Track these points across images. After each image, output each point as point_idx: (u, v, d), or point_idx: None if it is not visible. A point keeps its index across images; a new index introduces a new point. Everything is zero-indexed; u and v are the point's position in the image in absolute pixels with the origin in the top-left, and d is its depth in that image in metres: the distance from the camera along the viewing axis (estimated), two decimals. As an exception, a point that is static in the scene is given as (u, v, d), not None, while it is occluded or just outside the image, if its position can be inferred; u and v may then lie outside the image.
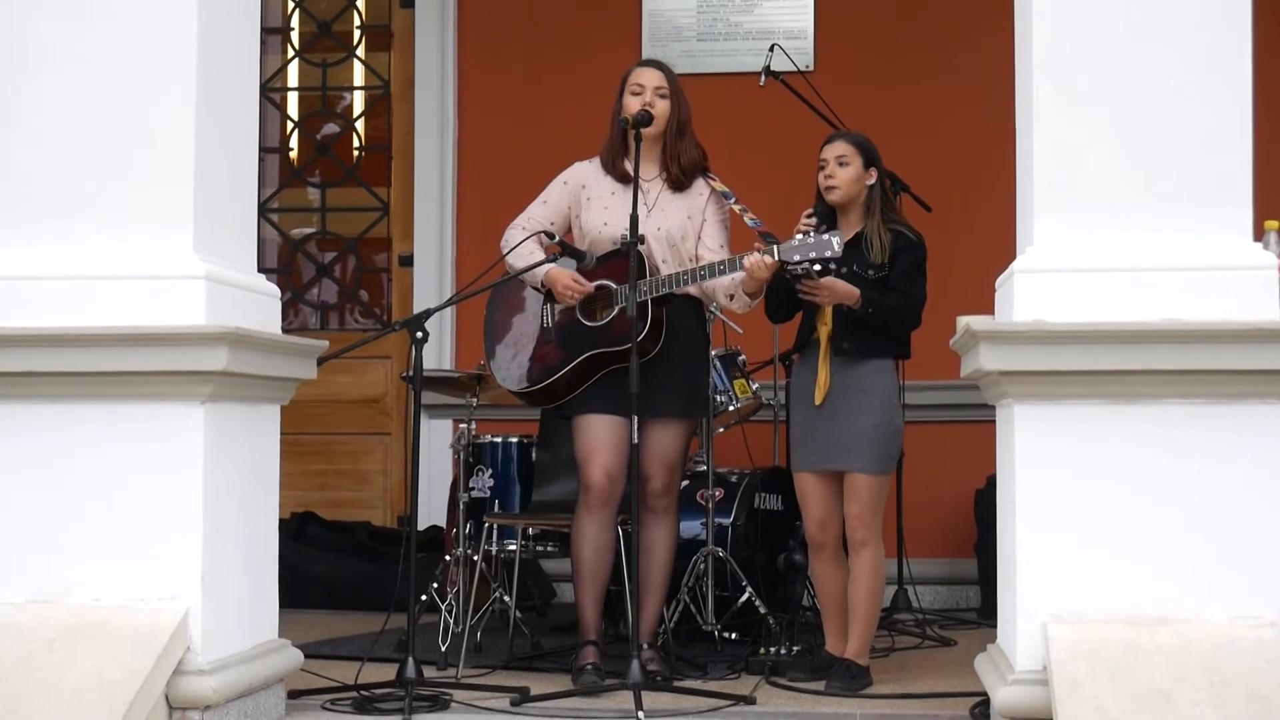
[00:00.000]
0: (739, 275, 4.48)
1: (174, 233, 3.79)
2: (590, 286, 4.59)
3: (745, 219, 4.64)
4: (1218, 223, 3.61)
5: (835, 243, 4.30)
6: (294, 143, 7.45)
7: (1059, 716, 3.31)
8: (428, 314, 4.40)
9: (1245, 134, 3.63)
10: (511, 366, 4.76)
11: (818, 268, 4.34)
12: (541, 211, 4.79)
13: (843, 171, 4.57)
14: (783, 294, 4.60)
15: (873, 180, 4.60)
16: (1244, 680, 3.35)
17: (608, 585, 4.68)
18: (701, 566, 5.24)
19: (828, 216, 4.54)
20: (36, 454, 3.77)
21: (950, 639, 5.55)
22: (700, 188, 4.75)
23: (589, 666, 4.41)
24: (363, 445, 7.22)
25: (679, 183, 4.72)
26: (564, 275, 4.60)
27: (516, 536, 5.31)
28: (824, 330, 4.54)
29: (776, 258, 4.37)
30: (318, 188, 7.48)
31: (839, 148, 4.59)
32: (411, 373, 4.31)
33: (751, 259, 4.40)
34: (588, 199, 4.74)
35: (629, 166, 4.66)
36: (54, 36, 3.84)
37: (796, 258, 4.33)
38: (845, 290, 4.43)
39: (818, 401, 4.52)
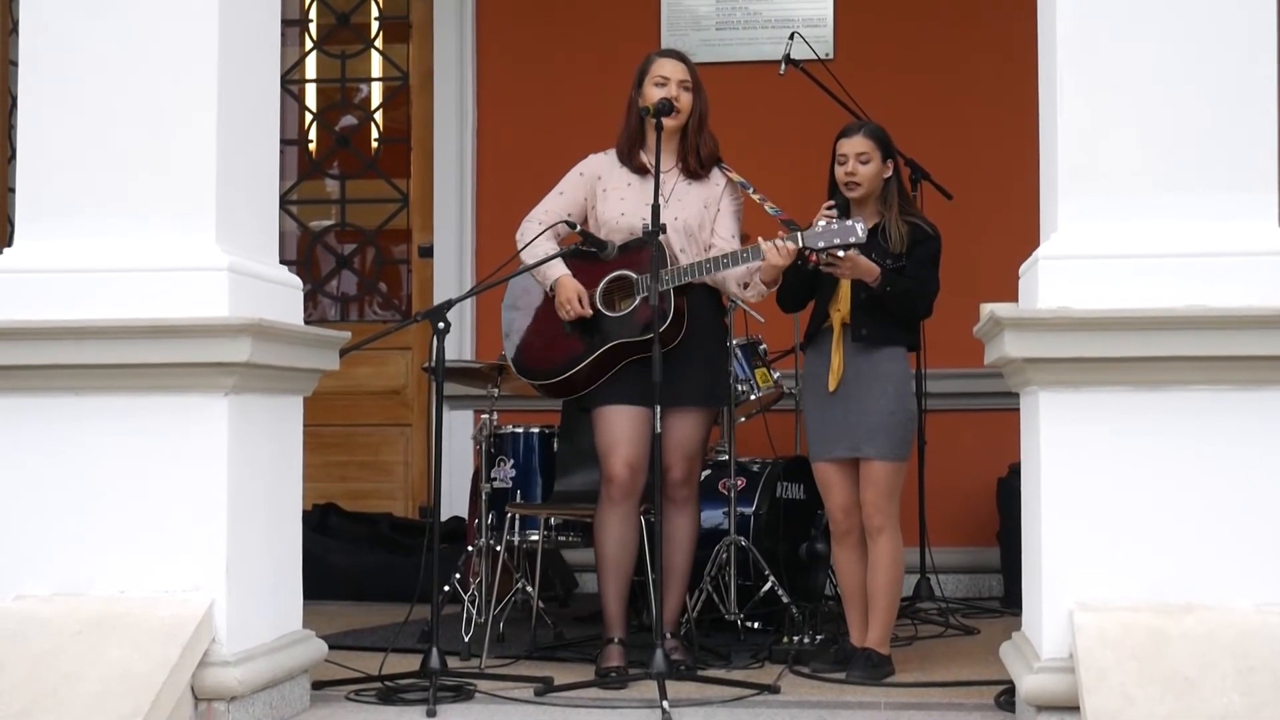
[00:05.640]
0: (756, 262, 4.46)
1: (196, 225, 3.79)
2: (587, 311, 4.58)
3: (765, 208, 4.62)
4: (1242, 208, 3.58)
5: (859, 229, 4.29)
6: (313, 135, 7.46)
7: (1087, 704, 3.30)
8: (449, 305, 4.40)
9: (1270, 118, 3.60)
10: (532, 359, 4.76)
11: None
12: (558, 204, 4.77)
13: (864, 169, 4.54)
14: (796, 283, 4.59)
15: (889, 173, 4.59)
16: (1271, 667, 3.33)
17: (632, 578, 4.68)
18: (724, 556, 5.23)
19: (844, 209, 4.53)
20: (60, 447, 3.78)
21: (973, 628, 5.55)
22: (716, 177, 4.74)
23: (613, 674, 4.40)
24: (384, 437, 7.24)
25: (695, 173, 4.71)
26: (569, 289, 4.59)
27: (539, 526, 5.31)
28: (837, 316, 4.53)
29: (801, 244, 4.35)
30: (337, 179, 7.49)
31: (859, 144, 4.55)
32: (433, 364, 4.31)
33: (771, 244, 4.39)
34: (603, 190, 4.73)
35: (645, 158, 4.65)
36: (77, 30, 3.84)
37: (821, 244, 4.32)
38: (867, 266, 4.42)
39: (831, 388, 4.51)
